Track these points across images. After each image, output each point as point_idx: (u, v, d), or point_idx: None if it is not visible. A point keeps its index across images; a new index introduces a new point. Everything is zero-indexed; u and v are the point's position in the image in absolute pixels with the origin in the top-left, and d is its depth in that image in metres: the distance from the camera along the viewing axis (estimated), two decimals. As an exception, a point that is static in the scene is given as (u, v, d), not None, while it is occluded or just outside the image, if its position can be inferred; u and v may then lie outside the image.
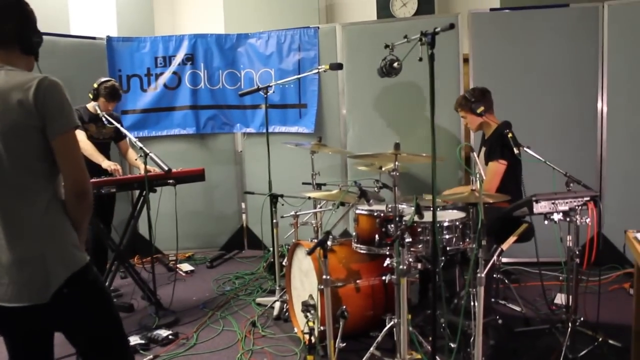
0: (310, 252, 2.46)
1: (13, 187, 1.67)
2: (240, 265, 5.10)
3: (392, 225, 2.85)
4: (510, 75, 4.56)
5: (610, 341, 2.96)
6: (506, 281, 3.76)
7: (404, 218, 2.86)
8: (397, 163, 2.74)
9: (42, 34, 1.81)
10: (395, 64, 2.81)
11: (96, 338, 1.82)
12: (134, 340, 3.29)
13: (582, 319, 2.93)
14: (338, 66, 3.93)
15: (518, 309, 3.60)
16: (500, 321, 3.09)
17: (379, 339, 2.87)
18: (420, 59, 2.25)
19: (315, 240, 3.30)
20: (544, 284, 3.86)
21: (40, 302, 1.66)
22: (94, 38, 5.04)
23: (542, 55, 4.52)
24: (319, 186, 4.03)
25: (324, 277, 2.55)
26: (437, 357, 2.64)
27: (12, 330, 1.81)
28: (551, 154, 4.34)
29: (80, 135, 3.86)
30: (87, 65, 4.87)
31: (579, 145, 4.55)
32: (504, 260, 4.61)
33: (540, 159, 3.15)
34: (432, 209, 2.24)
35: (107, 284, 3.78)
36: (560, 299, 3.72)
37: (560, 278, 4.15)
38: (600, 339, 2.94)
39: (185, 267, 4.96)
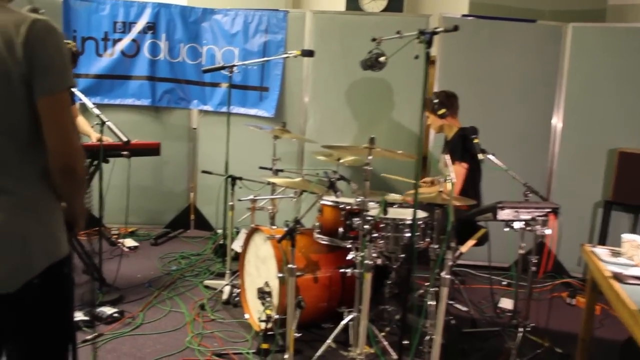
0: (280, 240, 2.41)
1: None
2: (186, 245, 4.95)
3: (358, 219, 2.82)
4: (472, 82, 4.64)
5: (556, 348, 3.08)
6: (456, 282, 3.84)
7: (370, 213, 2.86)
8: (369, 157, 2.72)
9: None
10: (382, 58, 2.78)
11: (46, 340, 1.53)
12: (77, 316, 3.13)
13: (532, 325, 3.03)
14: (309, 53, 3.88)
15: (465, 309, 3.69)
16: (453, 322, 3.15)
17: (337, 331, 2.85)
18: (417, 57, 2.25)
19: (275, 227, 3.24)
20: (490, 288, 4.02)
21: (4, 291, 1.40)
22: (50, -6, 4.71)
23: (504, 66, 4.63)
24: (277, 172, 3.97)
25: (290, 266, 2.51)
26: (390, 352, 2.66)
27: None
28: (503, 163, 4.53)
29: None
30: (40, 21, 4.54)
31: (530, 158, 4.70)
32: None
33: (503, 167, 3.22)
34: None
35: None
36: (504, 303, 3.86)
37: (504, 283, 4.31)
38: (547, 345, 3.05)
39: (129, 242, 4.76)
